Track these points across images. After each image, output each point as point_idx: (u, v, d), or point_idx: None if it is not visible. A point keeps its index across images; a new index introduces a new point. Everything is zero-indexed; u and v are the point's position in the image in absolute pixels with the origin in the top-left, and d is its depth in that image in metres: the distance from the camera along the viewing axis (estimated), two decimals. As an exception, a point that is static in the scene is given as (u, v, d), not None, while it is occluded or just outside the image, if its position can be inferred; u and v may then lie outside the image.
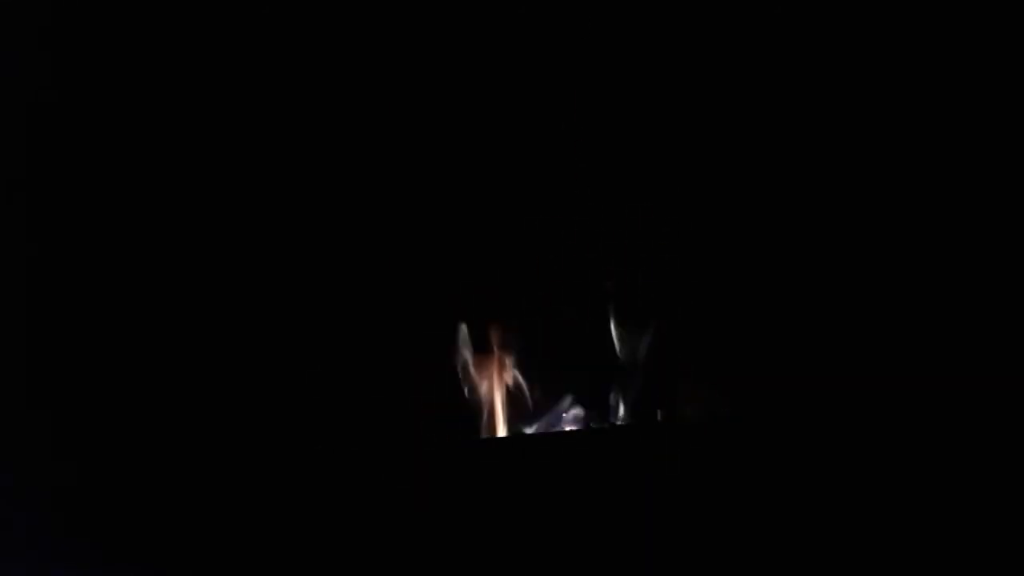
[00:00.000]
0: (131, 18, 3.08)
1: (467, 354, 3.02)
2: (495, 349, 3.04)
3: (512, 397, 3.03)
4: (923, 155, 3.01)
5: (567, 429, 3.01)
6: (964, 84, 3.00)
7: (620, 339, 3.03)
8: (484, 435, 3.00)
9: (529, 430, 3.01)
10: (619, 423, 2.99)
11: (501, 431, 3.00)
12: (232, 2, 3.07)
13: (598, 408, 3.02)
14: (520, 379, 3.03)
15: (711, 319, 3.06)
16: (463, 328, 3.02)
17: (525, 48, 3.10)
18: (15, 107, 3.06)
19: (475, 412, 3.02)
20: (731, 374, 3.00)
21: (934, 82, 3.01)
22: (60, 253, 3.08)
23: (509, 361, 3.03)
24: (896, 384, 2.96)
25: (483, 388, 3.02)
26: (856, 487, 2.84)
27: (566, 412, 3.01)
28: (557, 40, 3.09)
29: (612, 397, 3.03)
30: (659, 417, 3.00)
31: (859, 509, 2.81)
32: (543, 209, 3.11)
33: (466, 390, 3.01)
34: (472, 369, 3.02)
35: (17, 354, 3.05)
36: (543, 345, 3.05)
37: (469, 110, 3.11)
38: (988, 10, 2.97)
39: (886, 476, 2.85)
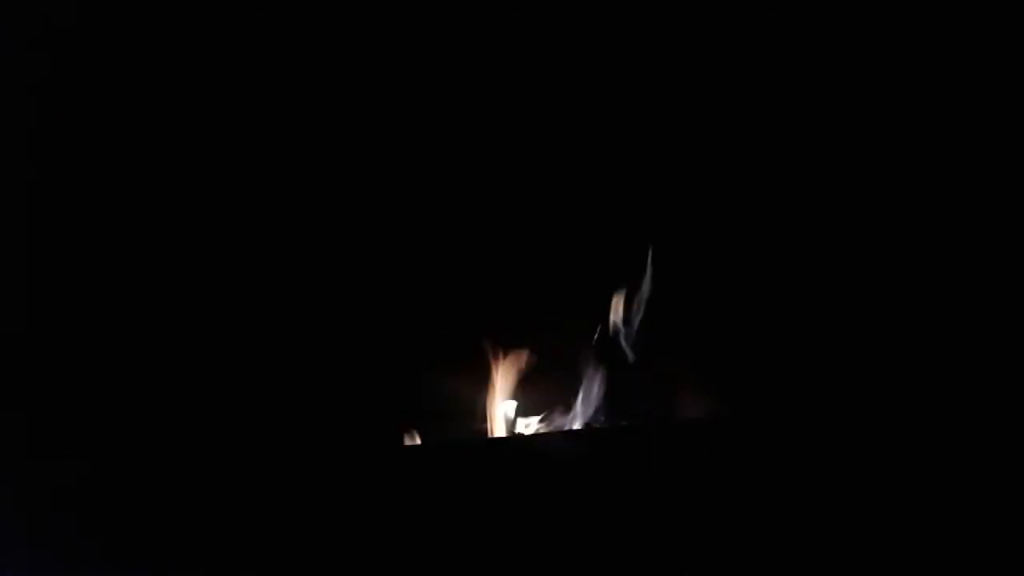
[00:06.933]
0: (131, 18, 3.08)
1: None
2: (495, 351, 3.06)
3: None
4: (920, 155, 3.02)
5: (567, 429, 3.01)
6: (962, 85, 3.01)
7: (622, 338, 3.04)
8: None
9: (530, 430, 3.02)
10: (619, 423, 3.00)
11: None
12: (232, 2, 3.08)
13: (599, 408, 3.02)
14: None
15: (711, 319, 3.06)
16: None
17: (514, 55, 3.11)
18: (15, 106, 3.07)
19: (473, 412, 3.04)
20: (731, 374, 3.01)
21: (930, 83, 3.02)
22: (60, 253, 3.08)
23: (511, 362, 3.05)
24: (895, 383, 2.97)
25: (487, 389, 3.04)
26: (855, 486, 2.84)
27: (567, 411, 3.02)
28: (542, 48, 3.11)
29: (612, 397, 3.04)
30: (658, 417, 3.01)
31: (859, 509, 2.81)
32: (543, 208, 3.12)
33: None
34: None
35: (18, 354, 3.05)
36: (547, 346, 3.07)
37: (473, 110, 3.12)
38: (988, 10, 2.98)
39: (885, 475, 2.86)
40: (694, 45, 3.09)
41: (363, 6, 3.08)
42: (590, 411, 3.02)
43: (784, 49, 3.06)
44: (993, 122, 3.01)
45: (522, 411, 3.05)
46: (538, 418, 3.03)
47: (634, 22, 3.10)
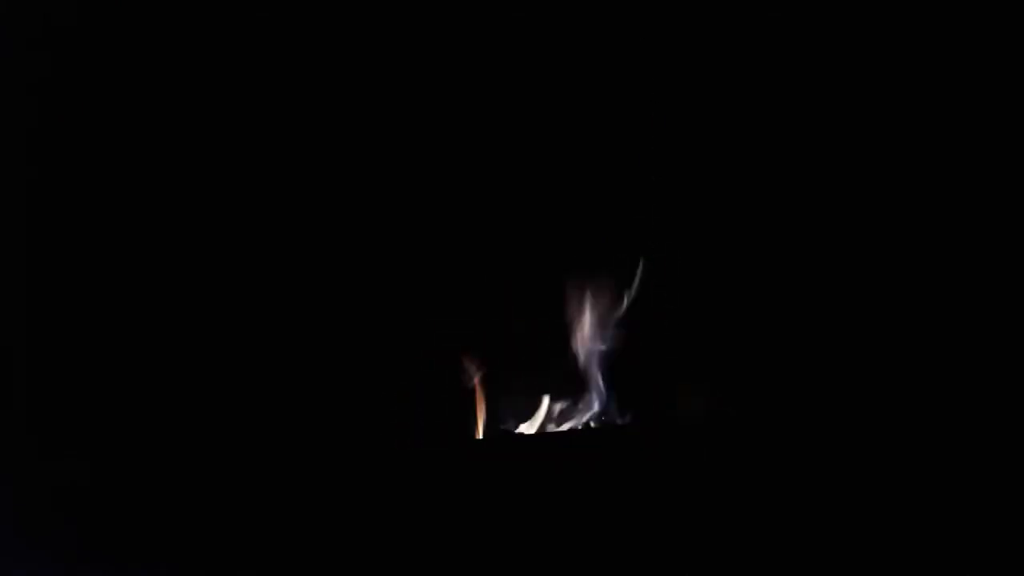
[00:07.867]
0: (131, 18, 3.08)
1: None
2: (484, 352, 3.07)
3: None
4: (920, 155, 3.02)
5: (566, 429, 3.01)
6: (961, 85, 3.01)
7: (621, 338, 3.04)
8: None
9: (529, 430, 3.02)
10: (619, 423, 3.00)
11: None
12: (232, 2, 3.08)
13: (597, 408, 3.02)
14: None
15: (710, 319, 3.06)
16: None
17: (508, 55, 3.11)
18: (15, 106, 3.07)
19: (471, 412, 3.03)
20: (731, 374, 3.00)
21: (929, 83, 3.02)
22: (60, 253, 3.08)
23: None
24: (895, 383, 2.97)
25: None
26: (855, 487, 2.84)
27: (564, 411, 3.02)
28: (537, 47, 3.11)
29: (611, 397, 3.03)
30: (658, 417, 3.00)
31: (858, 509, 2.81)
32: (542, 208, 3.12)
33: None
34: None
35: (18, 353, 3.06)
36: (544, 345, 3.07)
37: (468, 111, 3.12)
38: (988, 10, 2.98)
39: (885, 476, 2.86)
40: (693, 45, 3.09)
41: (362, 6, 3.09)
42: (589, 411, 3.02)
43: (783, 49, 3.06)
44: (993, 123, 3.01)
45: (520, 412, 3.05)
46: (537, 419, 3.03)
47: (633, 22, 3.10)
